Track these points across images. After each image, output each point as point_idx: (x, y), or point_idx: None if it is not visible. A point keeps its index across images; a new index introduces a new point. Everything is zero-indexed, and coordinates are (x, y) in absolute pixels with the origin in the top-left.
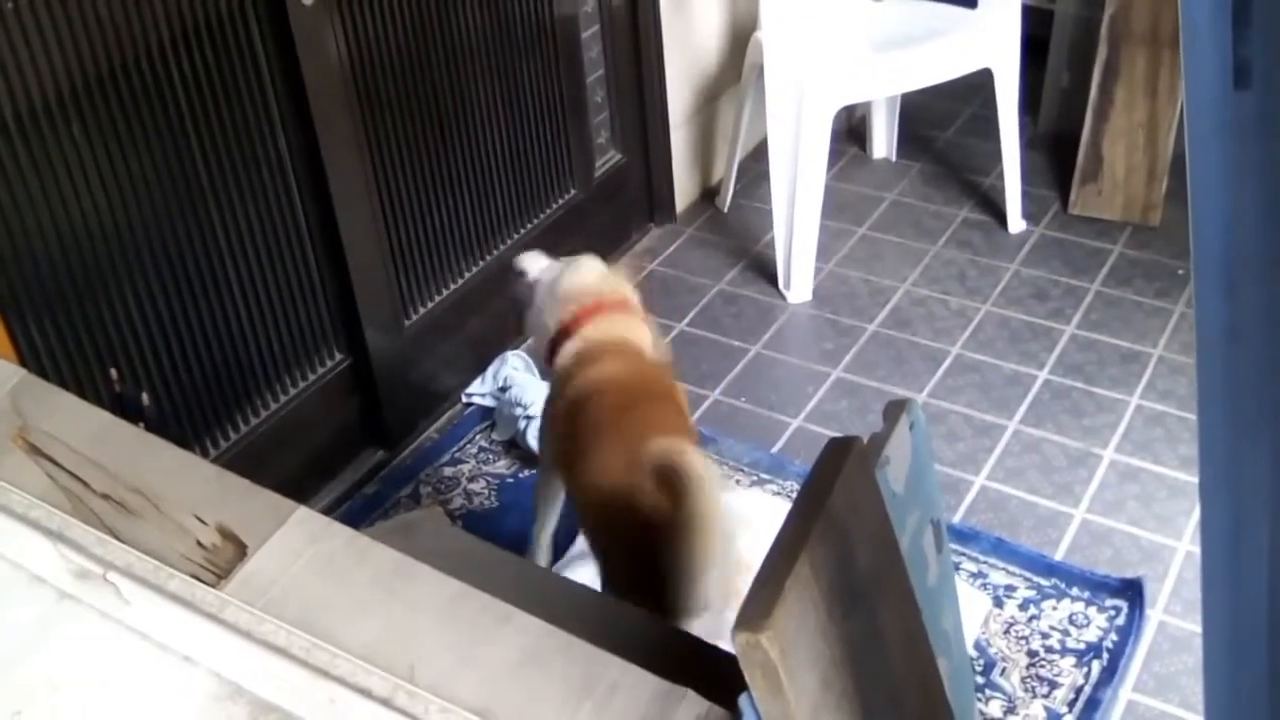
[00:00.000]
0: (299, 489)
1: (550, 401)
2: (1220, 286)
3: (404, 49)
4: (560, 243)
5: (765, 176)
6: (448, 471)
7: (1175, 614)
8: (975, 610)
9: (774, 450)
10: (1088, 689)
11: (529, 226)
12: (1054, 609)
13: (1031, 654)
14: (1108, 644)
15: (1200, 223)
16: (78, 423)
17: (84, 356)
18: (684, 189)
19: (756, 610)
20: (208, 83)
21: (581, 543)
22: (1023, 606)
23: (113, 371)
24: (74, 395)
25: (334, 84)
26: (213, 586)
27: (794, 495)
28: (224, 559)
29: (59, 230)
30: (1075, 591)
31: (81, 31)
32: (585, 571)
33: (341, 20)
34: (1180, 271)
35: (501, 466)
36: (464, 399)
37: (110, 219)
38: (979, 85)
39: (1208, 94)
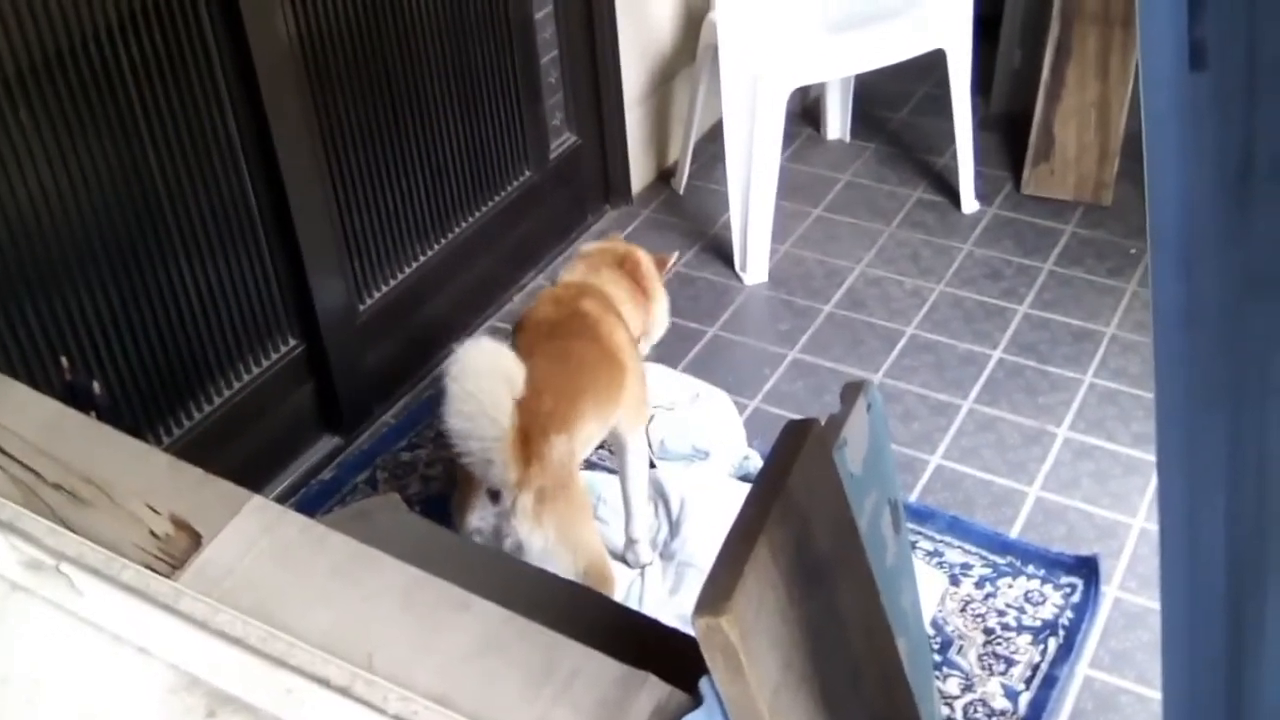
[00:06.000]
0: (253, 477)
1: None
2: (1177, 266)
3: (355, 30)
4: (515, 226)
5: (720, 158)
6: (405, 457)
7: (1130, 590)
8: (932, 589)
9: None
10: (1044, 666)
11: (484, 209)
12: (1010, 587)
13: (988, 631)
14: (1064, 621)
15: (1156, 204)
16: (29, 412)
17: (34, 345)
18: (639, 171)
19: (716, 593)
20: (156, 66)
21: None
22: (979, 584)
23: (63, 360)
24: (24, 385)
25: (284, 67)
26: (167, 577)
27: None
28: (178, 549)
29: (6, 217)
30: (1031, 569)
31: (27, 14)
32: None
33: (292, 1)
34: (1132, 250)
35: None
36: None
37: (59, 205)
38: (932, 65)
39: (1163, 75)
